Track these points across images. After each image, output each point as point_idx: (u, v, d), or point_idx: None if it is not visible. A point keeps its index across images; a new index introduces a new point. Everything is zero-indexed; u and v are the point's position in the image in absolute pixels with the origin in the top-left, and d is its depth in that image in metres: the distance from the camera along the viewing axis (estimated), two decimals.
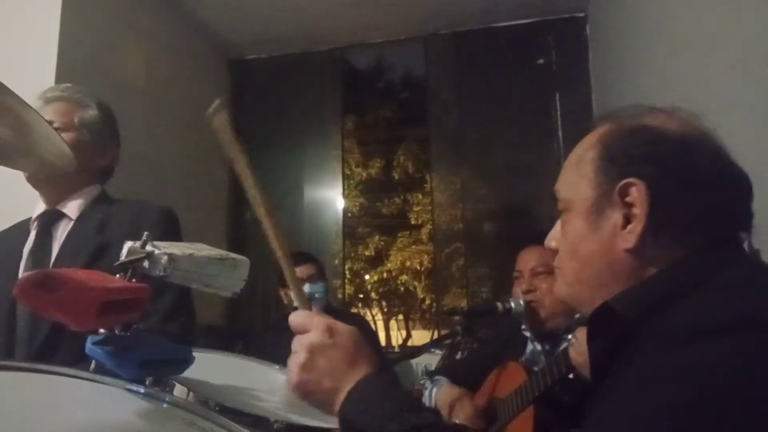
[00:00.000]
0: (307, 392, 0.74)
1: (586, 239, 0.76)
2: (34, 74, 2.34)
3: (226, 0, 3.43)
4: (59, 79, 2.38)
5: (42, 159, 1.11)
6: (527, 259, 1.72)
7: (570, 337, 1.30)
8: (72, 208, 1.44)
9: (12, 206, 1.53)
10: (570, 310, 1.56)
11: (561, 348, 1.49)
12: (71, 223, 1.42)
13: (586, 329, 0.75)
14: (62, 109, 1.44)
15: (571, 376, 1.36)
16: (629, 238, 0.71)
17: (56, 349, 1.24)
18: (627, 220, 0.72)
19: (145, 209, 1.45)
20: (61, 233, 1.42)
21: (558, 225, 0.83)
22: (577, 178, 0.78)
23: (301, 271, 2.65)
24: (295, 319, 0.76)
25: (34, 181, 1.43)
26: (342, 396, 0.71)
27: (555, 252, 0.83)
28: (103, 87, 2.22)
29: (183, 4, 3.43)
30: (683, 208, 0.70)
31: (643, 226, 0.70)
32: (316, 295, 2.63)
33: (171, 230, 1.40)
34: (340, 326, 0.76)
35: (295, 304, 0.79)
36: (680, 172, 0.71)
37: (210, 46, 3.86)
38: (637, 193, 0.70)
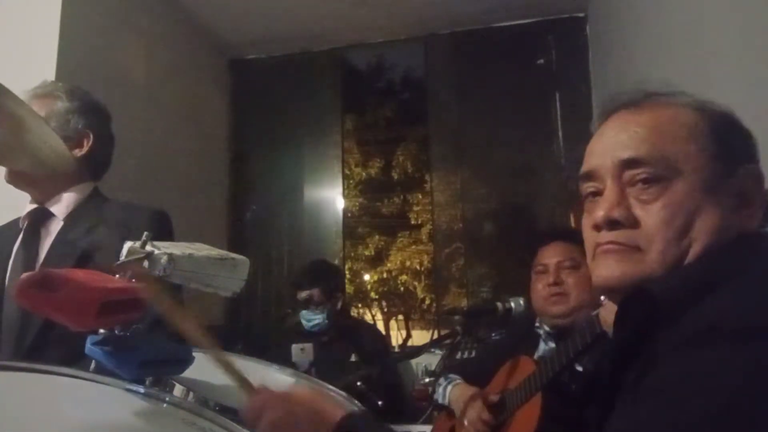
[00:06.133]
0: None
1: (707, 213, 0.65)
2: (34, 74, 2.33)
3: (226, 0, 3.44)
4: (59, 79, 2.37)
5: (40, 159, 1.10)
6: (552, 254, 1.74)
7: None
8: (60, 207, 1.40)
9: (11, 204, 1.51)
10: (594, 303, 1.58)
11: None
12: (60, 224, 1.38)
13: (615, 313, 0.69)
14: (35, 108, 1.35)
15: (579, 369, 1.37)
16: (749, 222, 0.67)
17: (44, 350, 1.22)
18: (738, 203, 0.67)
19: (137, 211, 1.42)
20: (49, 233, 1.38)
21: (615, 194, 0.69)
22: (689, 145, 0.68)
23: (301, 294, 2.59)
24: (247, 409, 0.75)
25: (15, 181, 1.39)
26: None
27: (614, 225, 0.68)
28: (103, 87, 2.22)
29: (183, 4, 3.43)
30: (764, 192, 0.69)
31: (761, 212, 0.67)
32: (310, 325, 2.50)
33: (163, 233, 1.35)
34: (296, 393, 0.76)
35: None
36: (755, 158, 0.71)
37: (210, 46, 3.86)
38: (753, 178, 0.68)
